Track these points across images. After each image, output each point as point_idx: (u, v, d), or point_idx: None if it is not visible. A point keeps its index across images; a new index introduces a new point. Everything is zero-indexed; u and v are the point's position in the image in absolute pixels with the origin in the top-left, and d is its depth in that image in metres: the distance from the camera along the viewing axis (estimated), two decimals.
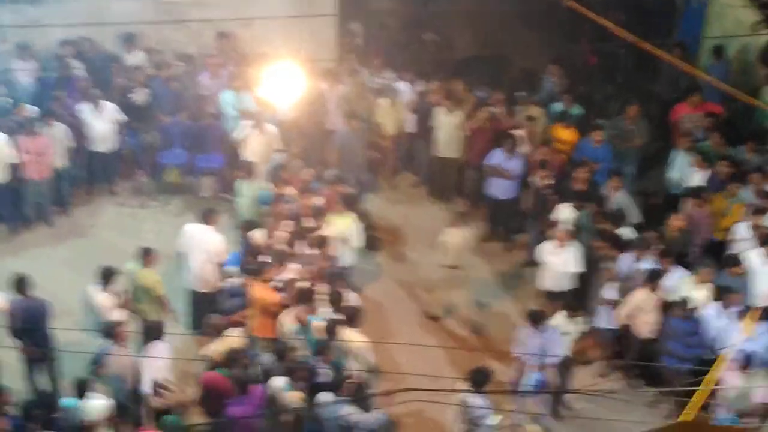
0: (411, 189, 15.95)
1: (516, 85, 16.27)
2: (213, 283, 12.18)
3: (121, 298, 11.48)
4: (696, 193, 13.06)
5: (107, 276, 11.38)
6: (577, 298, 12.41)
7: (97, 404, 10.07)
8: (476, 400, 10.22)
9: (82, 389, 10.12)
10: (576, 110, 15.05)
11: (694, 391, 10.08)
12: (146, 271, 11.79)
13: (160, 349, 10.65)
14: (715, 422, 10.69)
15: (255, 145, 14.33)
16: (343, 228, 12.65)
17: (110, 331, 10.61)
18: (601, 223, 12.82)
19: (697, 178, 13.57)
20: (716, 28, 16.68)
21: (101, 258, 13.59)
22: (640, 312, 11.78)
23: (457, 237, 12.94)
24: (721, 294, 11.50)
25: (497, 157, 14.12)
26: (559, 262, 12.45)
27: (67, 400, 10.13)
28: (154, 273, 11.83)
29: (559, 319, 11.41)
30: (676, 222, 12.71)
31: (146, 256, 11.79)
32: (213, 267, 12.15)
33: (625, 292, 11.94)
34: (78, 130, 14.55)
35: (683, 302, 11.36)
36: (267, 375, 10.45)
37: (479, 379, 10.24)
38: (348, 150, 14.74)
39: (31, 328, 11.15)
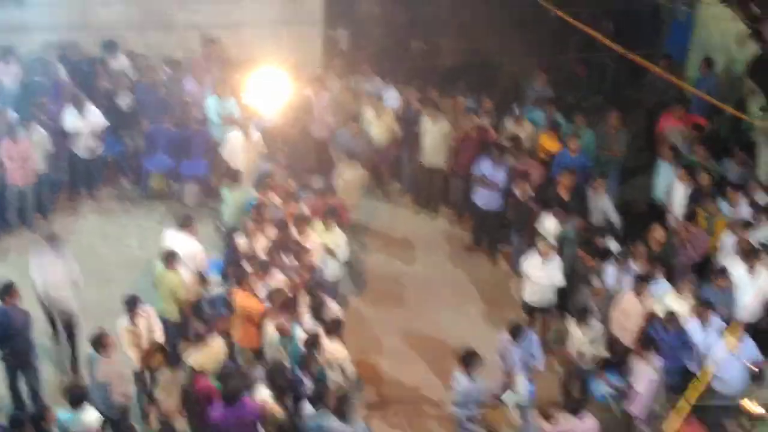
0: (397, 197, 15.89)
1: (504, 94, 16.28)
2: (194, 290, 12.08)
3: (141, 337, 11.12)
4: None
5: (131, 305, 11.12)
6: (560, 310, 12.42)
7: (90, 416, 9.99)
8: (465, 381, 10.48)
9: (78, 399, 10.03)
10: (562, 120, 15.06)
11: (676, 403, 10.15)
12: (170, 273, 11.74)
13: None
14: None
15: (241, 152, 14.24)
16: (328, 240, 12.58)
17: (98, 341, 10.51)
18: (587, 234, 12.81)
19: (681, 190, 13.57)
20: (703, 40, 16.72)
21: (84, 264, 13.55)
22: (626, 318, 11.75)
23: (351, 175, 13.34)
24: (703, 307, 11.48)
25: (484, 167, 14.08)
26: (543, 275, 12.42)
27: (61, 413, 10.01)
28: (177, 276, 11.78)
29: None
30: (658, 235, 12.69)
31: (169, 258, 11.73)
32: (192, 275, 12.06)
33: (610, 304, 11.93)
34: (60, 135, 14.43)
35: (670, 314, 11.32)
36: (251, 386, 10.38)
37: (470, 361, 10.48)
38: (349, 154, 14.62)
39: (13, 336, 11.03)
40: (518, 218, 13.70)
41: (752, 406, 10.81)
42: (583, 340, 11.50)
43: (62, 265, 11.97)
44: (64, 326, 12.09)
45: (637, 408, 10.99)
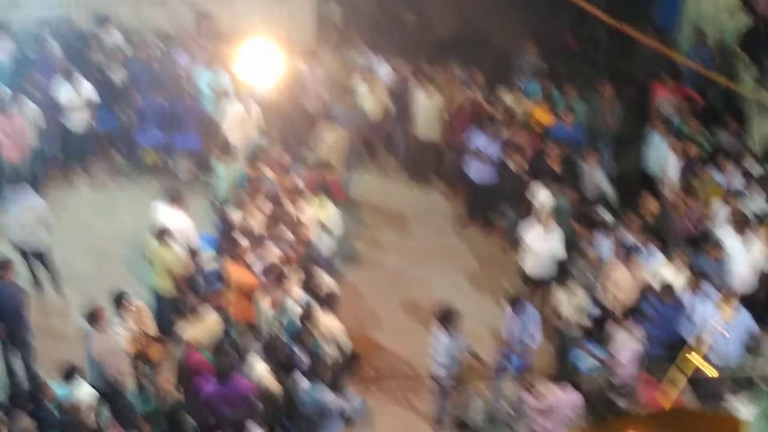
0: (391, 171, 15.89)
1: (496, 66, 16.24)
2: (187, 265, 12.10)
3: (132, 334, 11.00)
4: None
5: (118, 301, 11.03)
6: (557, 281, 12.47)
7: (86, 391, 10.05)
8: (443, 336, 10.65)
9: (69, 375, 10.06)
10: (557, 95, 15.06)
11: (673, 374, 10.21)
12: (164, 249, 11.75)
13: None
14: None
15: (239, 125, 14.23)
16: (322, 215, 12.60)
17: (93, 316, 10.52)
18: (580, 206, 12.84)
19: (674, 161, 13.60)
20: (694, 11, 16.68)
21: (77, 238, 13.60)
22: (617, 289, 11.81)
23: (332, 138, 13.81)
24: (699, 278, 11.53)
25: (478, 141, 14.08)
26: (544, 246, 12.46)
27: (58, 387, 10.05)
28: (171, 251, 11.80)
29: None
30: (651, 206, 12.73)
31: (162, 235, 11.74)
32: (184, 250, 12.08)
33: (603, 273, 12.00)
34: (52, 110, 14.38)
35: (665, 286, 11.36)
36: (246, 359, 10.43)
37: (449, 318, 10.67)
38: (340, 128, 14.59)
39: (6, 313, 11.05)
40: (512, 191, 13.73)
41: (698, 360, 10.79)
42: (566, 304, 11.58)
43: (32, 207, 12.37)
44: (39, 260, 12.59)
45: (620, 378, 11.06)
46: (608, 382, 11.19)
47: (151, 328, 11.05)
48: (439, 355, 10.80)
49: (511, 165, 13.63)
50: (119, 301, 10.89)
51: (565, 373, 10.69)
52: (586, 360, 11.47)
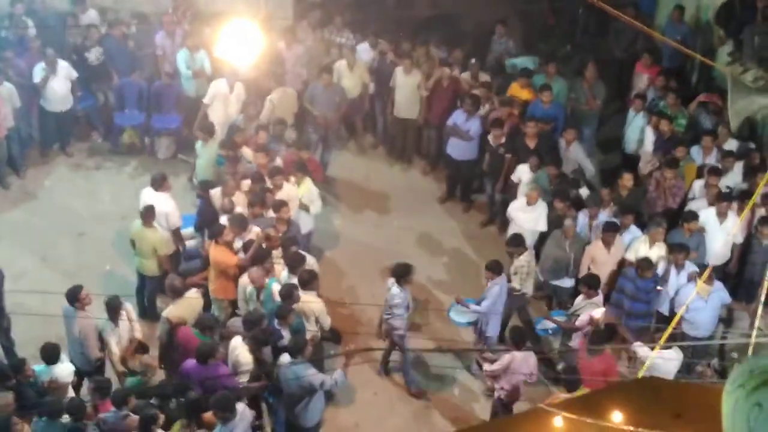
0: (370, 150, 15.92)
1: (476, 44, 16.26)
2: (170, 246, 12.11)
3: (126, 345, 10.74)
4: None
5: (113, 309, 10.61)
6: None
7: (65, 368, 10.05)
8: (397, 290, 11.11)
9: (50, 354, 10.05)
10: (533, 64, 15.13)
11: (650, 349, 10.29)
12: (148, 230, 11.74)
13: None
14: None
15: (220, 104, 14.21)
16: (301, 193, 12.61)
17: (73, 296, 10.51)
18: (559, 183, 12.93)
19: (650, 137, 13.69)
20: None
21: (57, 219, 13.54)
22: (594, 265, 11.91)
23: (278, 96, 14.16)
24: (677, 251, 11.64)
25: (456, 118, 14.13)
26: (528, 218, 12.58)
27: (37, 366, 10.05)
28: (156, 232, 11.79)
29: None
30: (626, 181, 12.83)
31: (147, 215, 11.71)
32: (167, 231, 12.08)
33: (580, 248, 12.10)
34: (28, 90, 14.29)
35: (644, 261, 11.47)
36: (228, 337, 10.46)
37: (401, 272, 11.13)
38: (319, 106, 14.60)
39: None
40: (492, 166, 13.80)
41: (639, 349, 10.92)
42: (512, 269, 11.80)
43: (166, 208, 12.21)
44: None
45: (576, 342, 11.23)
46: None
47: (139, 332, 10.86)
48: (399, 308, 11.16)
49: (491, 139, 13.69)
50: (113, 308, 10.56)
51: (522, 336, 10.83)
52: (544, 323, 11.89)
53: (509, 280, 11.65)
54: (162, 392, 10.17)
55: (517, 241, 11.89)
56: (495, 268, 11.30)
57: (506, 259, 12.06)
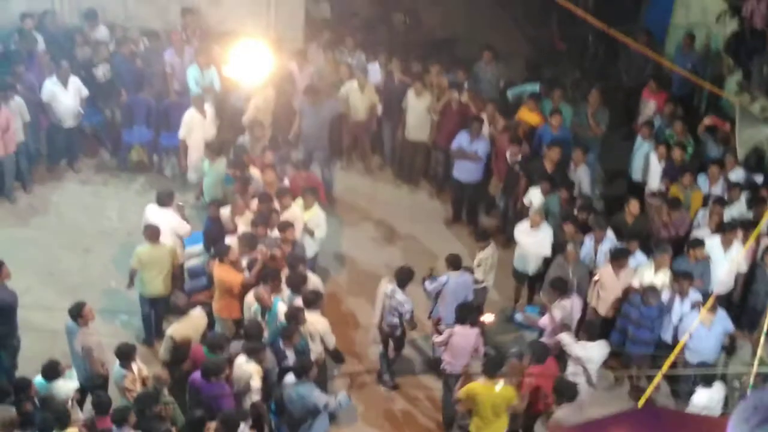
0: (377, 171, 15.92)
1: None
2: (177, 261, 12.12)
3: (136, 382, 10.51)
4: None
5: (125, 354, 10.40)
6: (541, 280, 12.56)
7: (64, 385, 10.04)
8: (402, 297, 11.40)
9: (52, 371, 10.05)
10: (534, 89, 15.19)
11: (653, 376, 10.25)
12: (156, 248, 11.73)
13: None
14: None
15: (199, 132, 14.20)
16: (307, 218, 12.59)
17: (77, 312, 10.52)
18: (570, 208, 12.92)
19: (656, 165, 13.69)
20: (683, 16, 16.79)
21: (63, 235, 13.56)
22: (602, 290, 11.91)
23: (260, 99, 14.29)
24: (682, 279, 11.63)
25: (461, 140, 14.15)
26: (531, 242, 12.59)
27: (39, 381, 10.05)
28: (164, 246, 11.80)
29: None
30: (633, 208, 12.83)
31: (151, 234, 11.69)
32: (176, 240, 12.11)
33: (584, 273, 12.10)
34: (37, 105, 14.34)
35: (649, 288, 11.45)
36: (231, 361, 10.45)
37: (403, 277, 11.44)
38: (308, 126, 14.61)
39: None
40: (507, 183, 13.98)
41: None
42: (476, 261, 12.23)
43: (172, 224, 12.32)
44: None
45: (548, 335, 11.49)
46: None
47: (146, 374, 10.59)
48: (408, 313, 11.48)
49: (507, 156, 13.76)
50: (125, 355, 10.37)
51: (465, 314, 11.16)
52: (518, 316, 12.86)
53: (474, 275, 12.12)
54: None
55: (560, 285, 11.76)
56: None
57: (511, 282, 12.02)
